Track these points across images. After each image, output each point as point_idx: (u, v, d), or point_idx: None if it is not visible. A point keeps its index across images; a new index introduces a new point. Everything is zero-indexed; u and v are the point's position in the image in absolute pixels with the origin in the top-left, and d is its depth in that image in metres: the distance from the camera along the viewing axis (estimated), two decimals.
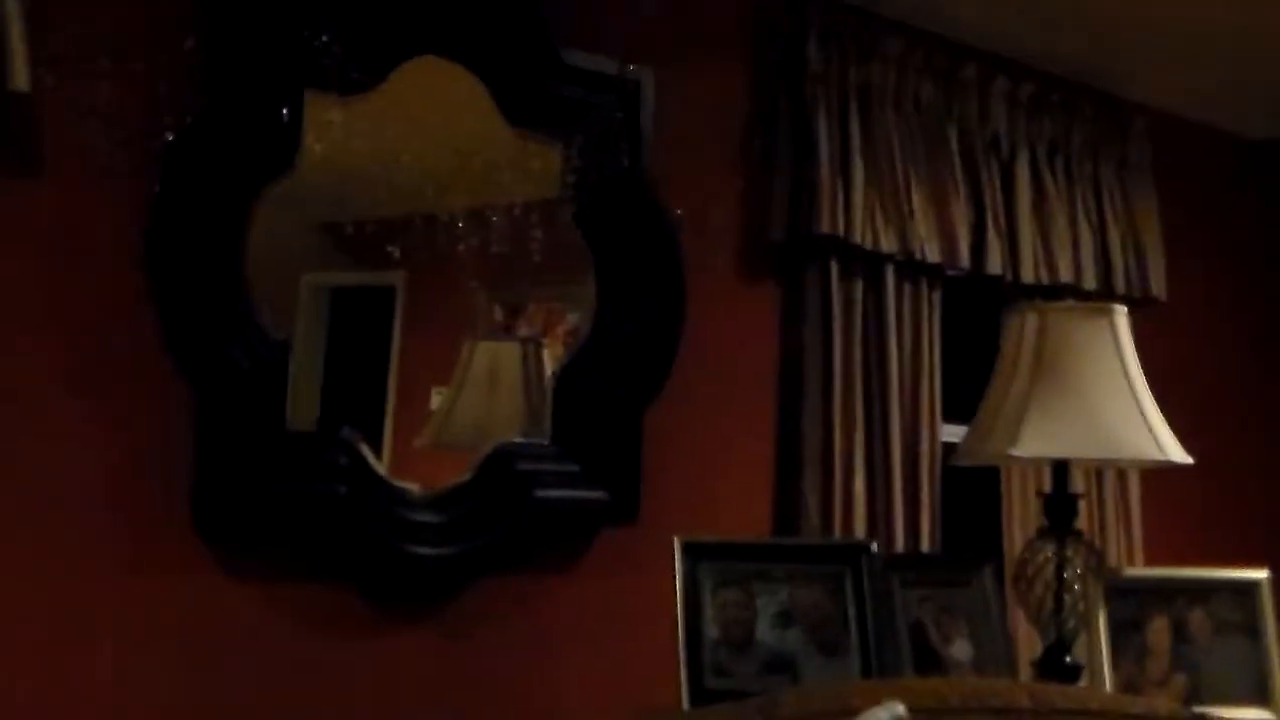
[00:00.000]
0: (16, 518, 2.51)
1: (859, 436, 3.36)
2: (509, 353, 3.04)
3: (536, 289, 3.06)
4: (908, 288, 3.50)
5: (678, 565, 2.81)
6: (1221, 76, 3.98)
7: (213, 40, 2.60)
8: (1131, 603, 3.11)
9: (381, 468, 2.80)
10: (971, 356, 3.49)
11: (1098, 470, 3.77)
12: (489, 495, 2.89)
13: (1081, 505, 3.13)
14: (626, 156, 3.02)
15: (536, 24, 2.93)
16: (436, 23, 2.83)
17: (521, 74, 2.91)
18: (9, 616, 2.51)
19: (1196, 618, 3.10)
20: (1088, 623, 3.03)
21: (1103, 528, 3.81)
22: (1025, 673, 3.18)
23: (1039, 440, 2.89)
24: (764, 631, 2.84)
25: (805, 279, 3.35)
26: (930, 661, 2.94)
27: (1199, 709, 2.65)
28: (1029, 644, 3.36)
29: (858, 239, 3.34)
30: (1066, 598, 2.97)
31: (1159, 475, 3.72)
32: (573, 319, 3.07)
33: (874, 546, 3.02)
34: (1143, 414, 2.93)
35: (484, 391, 3.00)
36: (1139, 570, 3.71)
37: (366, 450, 2.77)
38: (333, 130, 2.73)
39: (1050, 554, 2.99)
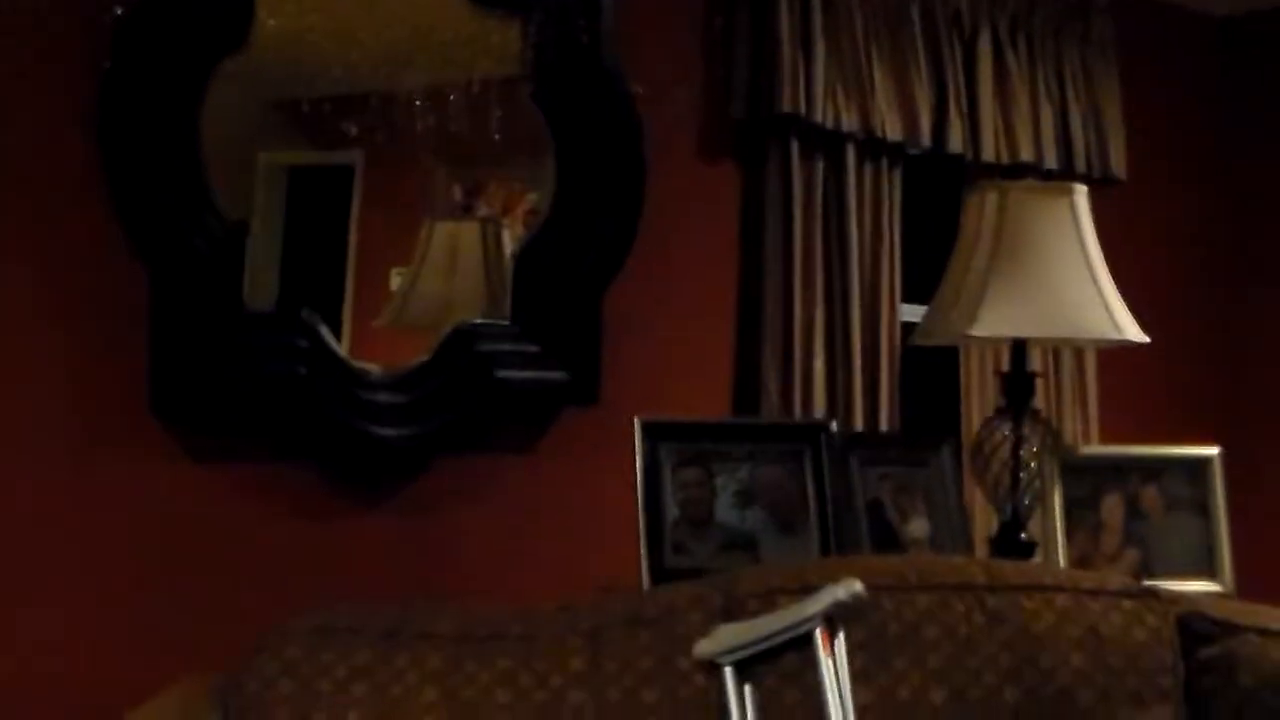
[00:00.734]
0: None
1: (819, 316, 3.37)
2: (468, 232, 3.02)
3: (496, 168, 3.03)
4: (869, 167, 3.49)
5: (637, 445, 2.82)
6: None
7: None
8: (1086, 480, 3.15)
9: (341, 349, 2.79)
10: (932, 236, 3.49)
11: (1055, 349, 3.80)
12: (449, 376, 2.89)
13: (1039, 384, 3.16)
14: (586, 33, 2.98)
15: None
16: None
17: None
18: None
19: (1149, 494, 3.15)
20: (1043, 500, 3.07)
21: (1059, 406, 3.85)
22: (981, 550, 3.23)
23: (997, 320, 2.90)
24: (723, 510, 2.86)
25: (766, 158, 3.34)
26: (888, 539, 2.97)
27: (1150, 582, 2.69)
28: (985, 521, 3.41)
29: (819, 117, 3.32)
30: (1023, 475, 3.00)
31: (1115, 354, 3.75)
32: (532, 199, 3.05)
33: (833, 426, 3.04)
34: (1100, 293, 2.94)
35: (443, 272, 2.98)
36: (1094, 448, 3.75)
37: (325, 331, 2.76)
38: (287, 5, 2.68)
39: (1007, 432, 3.02)
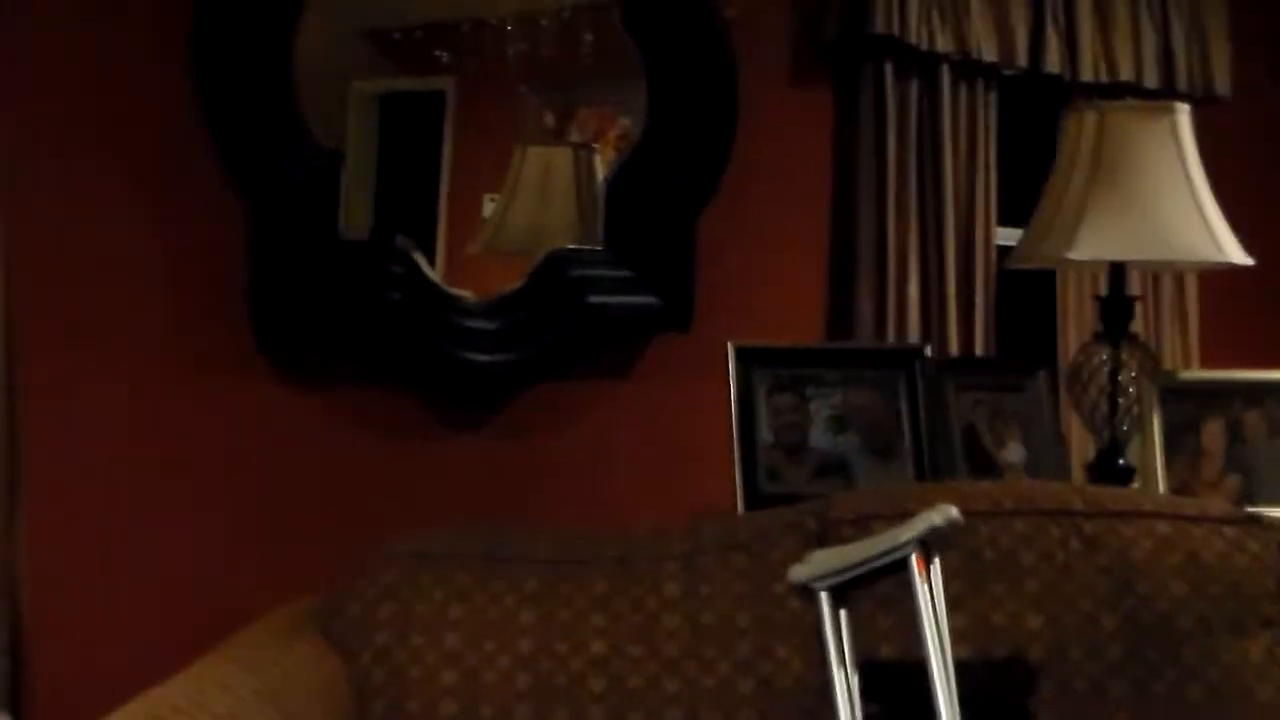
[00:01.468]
0: (77, 332, 2.54)
1: (913, 240, 3.33)
2: (560, 158, 3.01)
3: (587, 93, 3.02)
4: (963, 88, 3.44)
5: (731, 371, 2.82)
6: None
7: None
8: (1186, 405, 3.10)
9: (435, 275, 2.81)
10: (1028, 158, 3.44)
11: (1154, 273, 3.73)
12: (542, 302, 2.90)
13: (1138, 308, 3.11)
14: None
15: None
16: None
17: None
18: (75, 424, 2.55)
19: (1252, 419, 3.10)
20: (1142, 426, 3.03)
21: (1159, 330, 3.79)
22: (1078, 476, 3.20)
23: (1096, 243, 2.86)
24: (817, 436, 2.86)
25: (859, 81, 3.30)
26: (983, 465, 2.95)
27: (1252, 509, 2.66)
28: (1082, 448, 3.38)
29: (912, 38, 3.27)
30: (1121, 401, 2.97)
31: (1217, 277, 3.68)
32: (624, 123, 3.04)
33: (928, 350, 3.02)
34: (1202, 215, 2.89)
35: (536, 198, 2.98)
36: (1195, 373, 3.69)
37: (420, 258, 2.78)
38: None
39: (1105, 357, 2.98)
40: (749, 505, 2.75)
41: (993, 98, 3.50)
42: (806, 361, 2.92)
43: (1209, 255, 2.89)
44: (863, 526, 2.40)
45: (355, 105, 2.79)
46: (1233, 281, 3.48)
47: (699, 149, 3.02)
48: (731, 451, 2.81)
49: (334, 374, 2.76)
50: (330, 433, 2.77)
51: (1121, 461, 2.98)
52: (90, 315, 2.54)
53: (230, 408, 2.67)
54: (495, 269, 2.95)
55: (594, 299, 2.92)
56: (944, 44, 3.34)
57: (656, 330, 3.05)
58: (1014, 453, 2.99)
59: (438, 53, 2.83)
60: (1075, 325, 3.64)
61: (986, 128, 3.48)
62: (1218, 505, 2.64)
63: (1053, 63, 3.52)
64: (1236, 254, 2.91)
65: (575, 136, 3.02)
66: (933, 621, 2.04)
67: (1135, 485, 2.99)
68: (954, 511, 2.09)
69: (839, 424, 2.87)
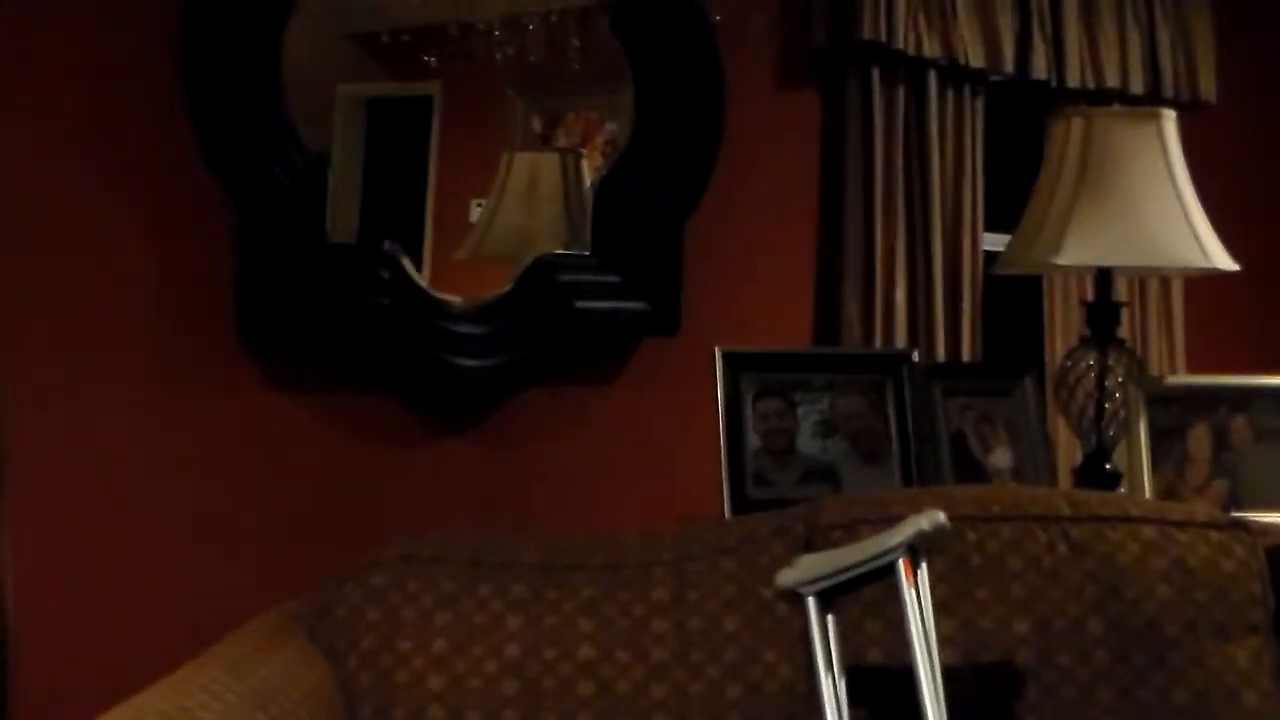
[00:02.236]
0: (64, 335, 2.53)
1: (900, 245, 3.34)
2: (548, 163, 3.01)
3: (574, 98, 3.02)
4: (950, 94, 3.44)
5: (719, 375, 2.82)
6: None
7: None
8: (1173, 410, 3.11)
9: (422, 280, 2.81)
10: (1015, 164, 3.44)
11: (1141, 278, 3.74)
12: (530, 307, 2.90)
13: (1124, 313, 3.12)
14: None
15: None
16: None
17: None
18: (61, 428, 2.55)
19: (1238, 425, 3.11)
20: (1128, 430, 3.04)
21: (1145, 335, 3.80)
22: (1065, 480, 3.20)
23: (1082, 248, 2.87)
24: (805, 441, 2.86)
25: (846, 86, 3.30)
26: (971, 470, 2.96)
27: (1238, 514, 2.66)
28: (1069, 452, 3.38)
29: (900, 44, 3.27)
30: (1107, 406, 2.97)
31: (1203, 283, 3.69)
32: (611, 128, 3.04)
33: (915, 355, 3.02)
34: (1188, 220, 2.90)
35: (523, 203, 2.98)
36: (1181, 378, 3.70)
37: (407, 263, 2.78)
38: None
39: (1092, 362, 2.99)
40: (736, 510, 2.75)
41: (979, 103, 3.51)
42: (794, 366, 2.92)
43: (1195, 261, 2.89)
44: (850, 531, 2.40)
45: (342, 109, 2.79)
46: (1219, 287, 3.49)
47: (686, 154, 3.02)
48: (719, 456, 2.81)
49: (321, 379, 2.76)
50: (317, 437, 2.76)
51: (1108, 466, 2.99)
52: (75, 319, 2.54)
53: (217, 412, 2.66)
54: (482, 274, 2.95)
55: (581, 304, 2.92)
56: (931, 50, 3.34)
57: (644, 335, 3.05)
58: (1001, 458, 3.00)
59: (425, 57, 2.83)
60: (1062, 330, 3.65)
61: (973, 133, 3.48)
62: (1204, 510, 2.64)
63: (1039, 68, 3.53)
64: (1222, 259, 2.92)
65: (563, 141, 3.02)
66: (920, 626, 2.04)
67: (1122, 490, 2.99)
68: (941, 516, 2.09)
69: (826, 429, 2.87)
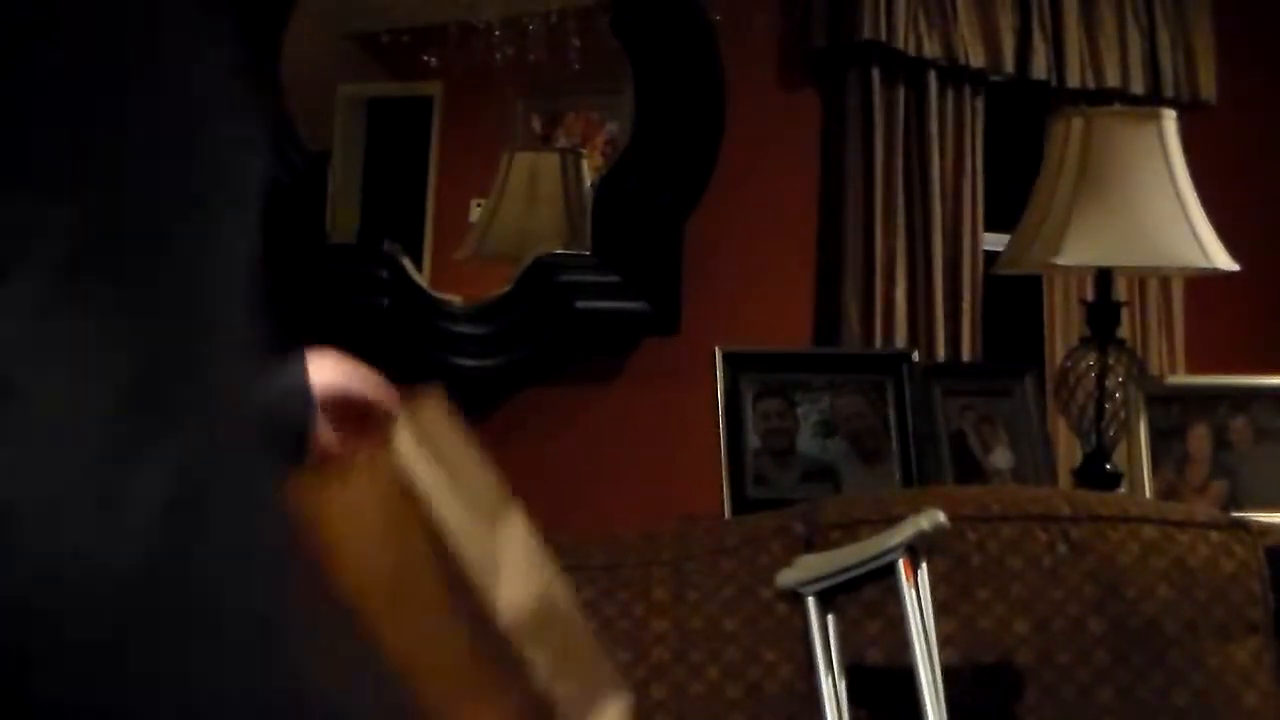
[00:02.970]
0: None
1: (900, 245, 3.34)
2: (548, 163, 3.01)
3: (575, 98, 3.02)
4: (950, 94, 3.44)
5: (719, 375, 2.82)
6: None
7: None
8: (1173, 410, 3.11)
9: (422, 280, 2.81)
10: (1015, 164, 3.44)
11: (1141, 278, 3.74)
12: (530, 307, 2.90)
13: (1124, 313, 3.12)
14: None
15: None
16: None
17: None
18: None
19: (1238, 425, 3.10)
20: (1128, 430, 3.04)
21: (1145, 336, 3.80)
22: (1065, 481, 3.20)
23: (1082, 248, 2.87)
24: (805, 441, 2.86)
25: (846, 86, 3.30)
26: (971, 470, 2.96)
27: (1238, 514, 2.66)
28: (1069, 452, 3.38)
29: (900, 44, 3.27)
30: (1107, 406, 2.97)
31: (1203, 283, 3.69)
32: (611, 129, 3.04)
33: (915, 355, 3.02)
34: (1189, 220, 2.90)
35: (523, 203, 2.98)
36: (1181, 378, 3.70)
37: (407, 263, 2.78)
38: None
39: (1092, 362, 2.99)
40: (736, 510, 2.74)
41: (980, 103, 3.50)
42: (794, 366, 2.92)
43: (1195, 261, 2.89)
44: (850, 531, 2.40)
45: (342, 109, 2.79)
46: (1219, 287, 3.49)
47: (687, 154, 3.02)
48: (719, 456, 2.80)
49: None
50: None
51: (1108, 466, 2.98)
52: None
53: None
54: (482, 274, 2.95)
55: (581, 304, 2.92)
56: (931, 50, 3.34)
57: (644, 335, 3.05)
58: (1001, 458, 2.99)
59: (425, 57, 2.83)
60: (1062, 330, 3.65)
61: (973, 133, 3.48)
62: (1204, 510, 2.64)
63: (1039, 68, 3.53)
64: (1222, 259, 2.92)
65: (563, 141, 3.02)
66: (920, 626, 2.04)
67: (1122, 490, 2.99)
68: (941, 516, 2.09)
69: (826, 429, 2.87)
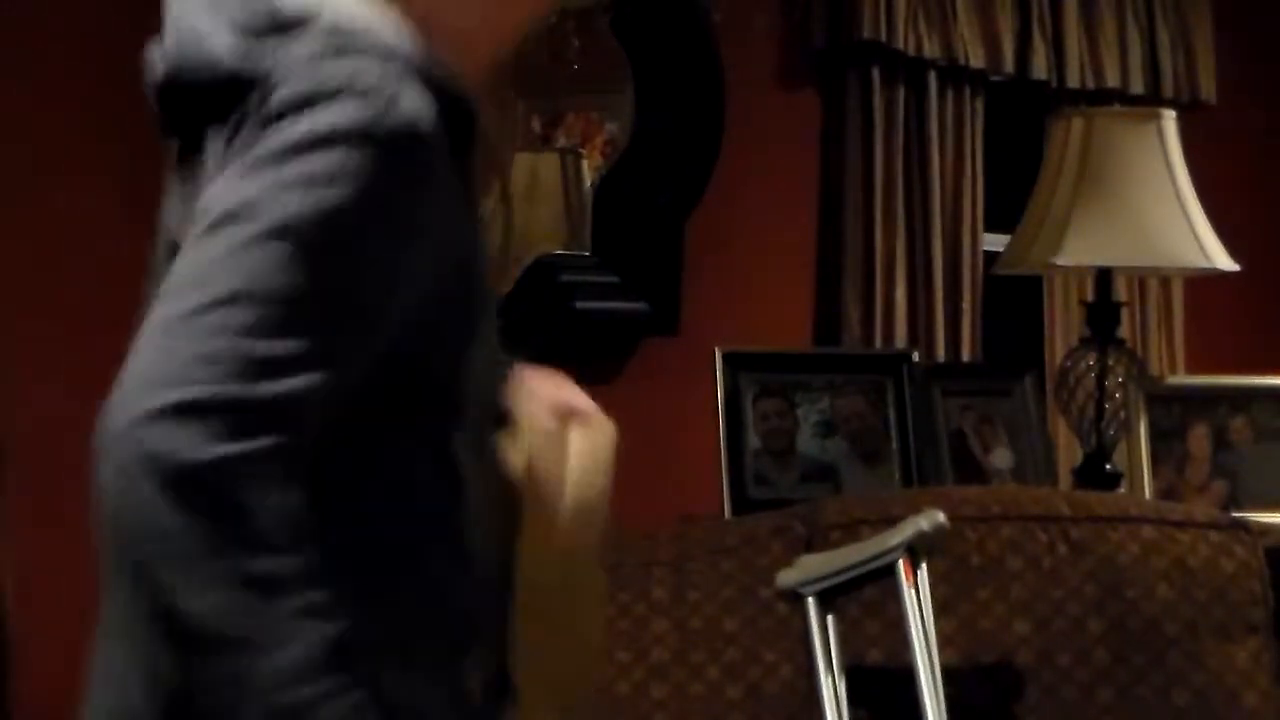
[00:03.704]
0: (66, 335, 2.54)
1: (900, 246, 3.34)
2: (548, 164, 3.01)
3: (574, 99, 3.02)
4: (950, 94, 3.44)
5: (719, 376, 2.82)
6: None
7: None
8: (1173, 410, 3.11)
9: None
10: (1015, 164, 3.44)
11: (1141, 278, 3.74)
12: (529, 307, 2.90)
13: (1124, 313, 3.12)
14: None
15: None
16: None
17: None
18: (59, 431, 2.55)
19: (1237, 425, 3.10)
20: (1128, 430, 3.04)
21: (1145, 336, 3.79)
22: (1065, 481, 3.20)
23: (1082, 249, 2.87)
24: (805, 441, 2.86)
25: (846, 87, 3.30)
26: (971, 470, 2.96)
27: (1238, 514, 2.66)
28: (1069, 452, 3.38)
29: (900, 44, 3.27)
30: (1107, 406, 2.97)
31: (1203, 283, 3.69)
32: (611, 129, 3.04)
33: (915, 356, 3.02)
34: (1188, 220, 2.90)
35: (523, 203, 2.98)
36: (1181, 378, 3.70)
37: None
38: None
39: (1092, 362, 2.99)
40: (736, 510, 2.74)
41: (979, 103, 3.50)
42: (794, 367, 2.92)
43: (1195, 261, 2.89)
44: (850, 532, 2.40)
45: None
46: (1219, 287, 3.49)
47: (686, 154, 3.02)
48: (719, 456, 2.80)
49: None
50: None
51: (1108, 466, 2.98)
52: (77, 319, 2.53)
53: None
54: None
55: (581, 304, 2.92)
56: (931, 50, 3.34)
57: (644, 335, 3.04)
58: (1001, 458, 3.00)
59: None
60: (1062, 331, 3.65)
61: (973, 133, 3.48)
62: (1204, 510, 2.65)
63: (1039, 69, 3.53)
64: (1222, 259, 2.92)
65: (562, 142, 3.02)
66: (920, 627, 2.04)
67: (1122, 490, 2.99)
68: (941, 517, 2.09)
69: (826, 429, 2.87)
